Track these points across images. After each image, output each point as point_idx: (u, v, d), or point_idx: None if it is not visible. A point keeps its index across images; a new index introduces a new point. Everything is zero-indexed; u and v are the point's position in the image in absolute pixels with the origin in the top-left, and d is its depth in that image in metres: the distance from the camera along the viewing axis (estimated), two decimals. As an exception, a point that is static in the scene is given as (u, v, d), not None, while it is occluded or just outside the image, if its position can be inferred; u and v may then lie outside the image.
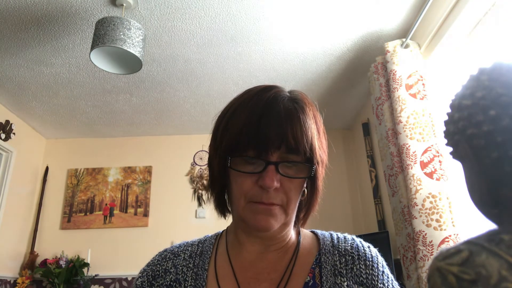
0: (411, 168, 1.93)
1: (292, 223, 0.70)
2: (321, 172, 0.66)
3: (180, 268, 0.68)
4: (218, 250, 0.71)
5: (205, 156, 3.58)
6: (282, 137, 0.59)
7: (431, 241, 1.79)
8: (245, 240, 0.68)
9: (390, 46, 2.19)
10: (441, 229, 1.79)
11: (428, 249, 1.80)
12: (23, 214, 3.31)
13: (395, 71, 2.12)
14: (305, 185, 0.66)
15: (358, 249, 0.69)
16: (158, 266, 0.70)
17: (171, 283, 0.66)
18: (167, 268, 0.69)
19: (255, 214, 0.61)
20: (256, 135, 0.59)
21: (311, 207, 0.69)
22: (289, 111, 0.61)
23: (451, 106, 0.40)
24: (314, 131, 0.63)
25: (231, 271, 0.66)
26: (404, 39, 2.16)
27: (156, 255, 0.73)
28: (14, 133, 3.13)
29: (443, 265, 0.34)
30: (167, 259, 0.70)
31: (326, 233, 0.73)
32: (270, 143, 0.59)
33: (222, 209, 0.70)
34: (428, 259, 1.80)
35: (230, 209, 0.70)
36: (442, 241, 1.78)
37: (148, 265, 0.72)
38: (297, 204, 0.65)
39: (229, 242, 0.71)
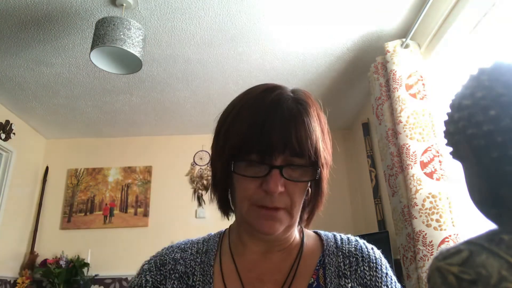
0: (411, 168, 1.93)
1: (296, 224, 0.69)
2: (325, 174, 0.65)
3: (189, 262, 0.68)
4: (222, 249, 0.70)
5: (205, 156, 3.58)
6: (286, 141, 0.57)
7: (431, 241, 1.79)
8: (247, 241, 0.68)
9: (390, 46, 2.19)
10: (441, 229, 1.79)
11: (428, 249, 1.80)
12: (23, 214, 3.31)
13: (395, 71, 2.12)
14: (309, 185, 0.66)
15: (362, 250, 0.68)
16: (166, 256, 0.69)
17: (181, 274, 0.66)
18: (176, 258, 0.69)
19: (259, 219, 0.60)
20: (260, 139, 0.58)
21: (316, 208, 0.68)
22: (293, 113, 0.60)
23: (451, 106, 0.39)
24: (318, 133, 0.62)
25: (235, 271, 0.66)
26: (404, 39, 2.16)
27: (163, 248, 0.73)
28: (14, 133, 3.13)
29: (443, 265, 0.34)
30: (175, 252, 0.70)
31: (330, 234, 0.73)
32: (274, 147, 0.57)
33: (225, 209, 0.70)
34: (428, 259, 1.80)
35: (233, 209, 0.70)
36: (442, 241, 1.78)
37: (155, 255, 0.71)
38: (301, 206, 0.65)
39: (232, 241, 0.70)
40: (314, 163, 0.60)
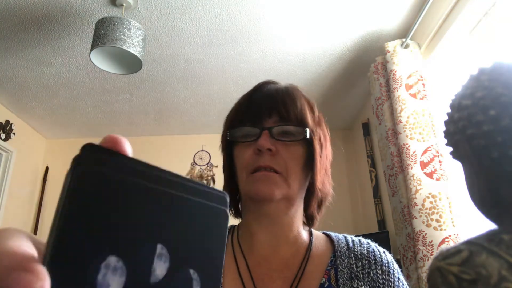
0: (411, 168, 1.93)
1: (299, 207, 0.69)
2: (317, 145, 0.67)
3: None
4: (231, 242, 0.71)
5: (205, 156, 3.58)
6: (273, 105, 0.66)
7: (431, 241, 1.79)
8: (255, 228, 0.68)
9: (390, 46, 2.19)
10: (441, 229, 1.79)
11: (428, 249, 1.80)
12: (23, 214, 3.31)
13: (395, 71, 2.12)
14: (304, 155, 0.67)
15: (374, 253, 0.68)
16: None
17: None
18: None
19: (256, 183, 0.63)
20: (249, 107, 0.68)
21: (313, 185, 0.68)
22: (279, 89, 0.69)
23: (451, 106, 0.39)
24: (304, 103, 0.68)
25: (245, 264, 0.66)
26: (404, 39, 2.16)
27: None
28: (14, 133, 3.13)
29: (443, 265, 0.34)
30: None
31: (340, 236, 0.73)
32: (262, 112, 0.66)
33: (235, 206, 0.72)
34: (428, 259, 1.80)
35: (239, 205, 0.72)
36: (442, 241, 1.78)
37: None
38: (301, 181, 0.66)
39: (241, 236, 0.71)
40: (302, 126, 0.66)
